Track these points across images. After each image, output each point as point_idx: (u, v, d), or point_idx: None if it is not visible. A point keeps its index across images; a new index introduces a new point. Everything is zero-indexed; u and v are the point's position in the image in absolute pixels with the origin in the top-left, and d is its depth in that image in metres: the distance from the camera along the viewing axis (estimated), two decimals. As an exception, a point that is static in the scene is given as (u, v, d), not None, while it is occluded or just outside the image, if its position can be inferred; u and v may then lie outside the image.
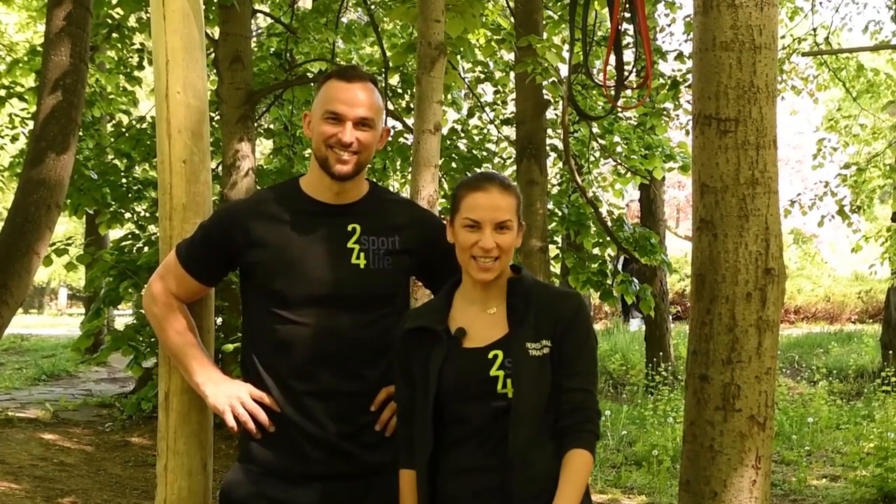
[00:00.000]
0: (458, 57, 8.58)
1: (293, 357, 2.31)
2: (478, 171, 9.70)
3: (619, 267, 9.11)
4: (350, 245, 2.35)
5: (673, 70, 8.88)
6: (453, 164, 9.49)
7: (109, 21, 9.16)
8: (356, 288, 2.32)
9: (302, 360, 2.31)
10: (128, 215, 9.60)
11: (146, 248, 7.80)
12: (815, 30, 12.02)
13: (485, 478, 2.15)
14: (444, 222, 2.34)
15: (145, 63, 10.11)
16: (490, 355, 2.17)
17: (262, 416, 2.31)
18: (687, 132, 9.94)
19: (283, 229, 2.34)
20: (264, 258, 2.32)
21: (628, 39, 6.37)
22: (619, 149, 9.75)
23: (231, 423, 2.30)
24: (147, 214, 9.56)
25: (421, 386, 2.21)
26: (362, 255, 2.35)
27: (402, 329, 2.28)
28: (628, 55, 4.53)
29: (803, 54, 11.85)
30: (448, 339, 2.20)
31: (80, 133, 7.68)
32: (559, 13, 8.80)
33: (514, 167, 8.44)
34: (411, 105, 9.36)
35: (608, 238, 8.70)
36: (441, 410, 2.19)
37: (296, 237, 2.33)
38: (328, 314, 2.31)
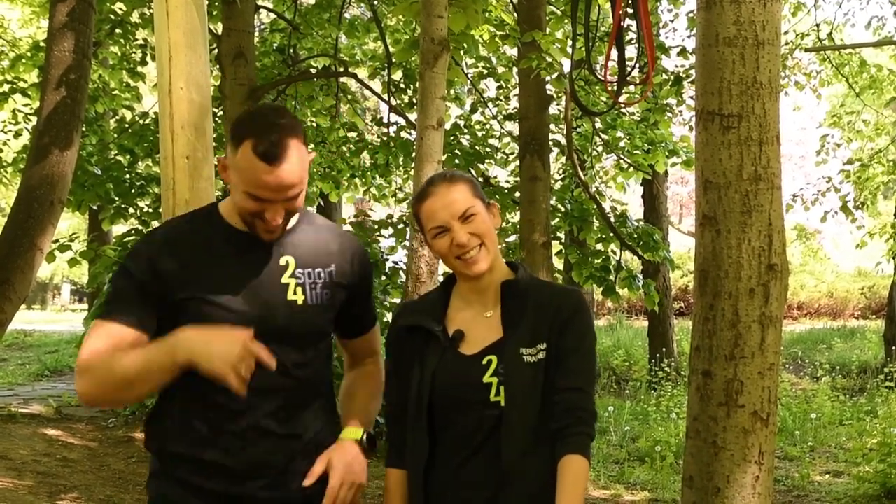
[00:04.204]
0: (462, 52, 8.57)
1: (225, 397, 2.03)
2: (480, 166, 9.70)
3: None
4: (285, 280, 2.15)
5: (676, 66, 8.88)
6: (456, 160, 9.49)
7: (112, 17, 9.19)
8: (295, 325, 2.13)
9: (236, 401, 2.05)
10: (131, 211, 9.65)
11: (149, 244, 7.80)
12: (818, 26, 12.00)
13: (477, 490, 2.05)
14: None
15: (148, 59, 10.12)
16: (484, 361, 2.07)
17: (264, 355, 2.00)
18: (690, 128, 9.94)
19: (211, 263, 2.12)
20: (196, 294, 2.08)
21: (631, 35, 6.36)
22: (621, 144, 9.75)
23: (238, 388, 1.97)
24: (150, 210, 9.60)
25: (414, 389, 2.11)
26: (299, 289, 2.15)
27: (398, 325, 2.19)
28: (631, 51, 4.52)
29: (806, 50, 11.83)
30: (445, 342, 2.11)
31: (83, 129, 7.69)
32: (562, 8, 8.79)
33: (517, 163, 8.44)
34: (414, 100, 9.36)
35: (611, 234, 8.70)
36: (433, 415, 2.10)
37: (226, 271, 2.11)
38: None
